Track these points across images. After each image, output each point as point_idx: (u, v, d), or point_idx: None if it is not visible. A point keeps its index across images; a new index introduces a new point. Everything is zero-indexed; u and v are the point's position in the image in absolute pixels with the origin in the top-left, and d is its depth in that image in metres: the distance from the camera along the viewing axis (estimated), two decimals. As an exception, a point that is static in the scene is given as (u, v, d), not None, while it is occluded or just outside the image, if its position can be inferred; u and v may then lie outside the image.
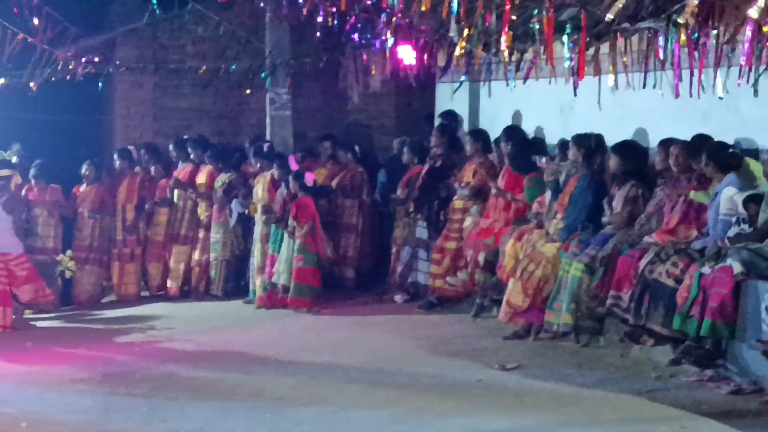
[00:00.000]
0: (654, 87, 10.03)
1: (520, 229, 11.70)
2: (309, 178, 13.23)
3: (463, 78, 12.41)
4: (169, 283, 14.76)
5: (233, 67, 14.94)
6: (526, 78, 10.99)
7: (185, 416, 8.49)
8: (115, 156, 15.04)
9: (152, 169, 14.88)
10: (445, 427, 8.00)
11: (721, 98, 9.47)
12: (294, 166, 13.51)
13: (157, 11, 14.03)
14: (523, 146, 12.42)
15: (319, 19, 12.31)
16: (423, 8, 9.33)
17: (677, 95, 9.65)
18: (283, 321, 12.56)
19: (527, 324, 11.03)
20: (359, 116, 16.05)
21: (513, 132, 12.79)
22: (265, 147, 14.14)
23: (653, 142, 11.47)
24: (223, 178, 14.33)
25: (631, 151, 11.00)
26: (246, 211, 13.97)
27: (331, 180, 14.45)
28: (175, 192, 14.76)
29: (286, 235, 13.23)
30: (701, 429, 7.79)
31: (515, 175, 12.27)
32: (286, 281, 13.19)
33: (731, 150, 9.97)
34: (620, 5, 8.82)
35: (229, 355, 10.78)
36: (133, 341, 11.73)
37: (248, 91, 14.96)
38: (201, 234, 14.59)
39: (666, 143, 10.60)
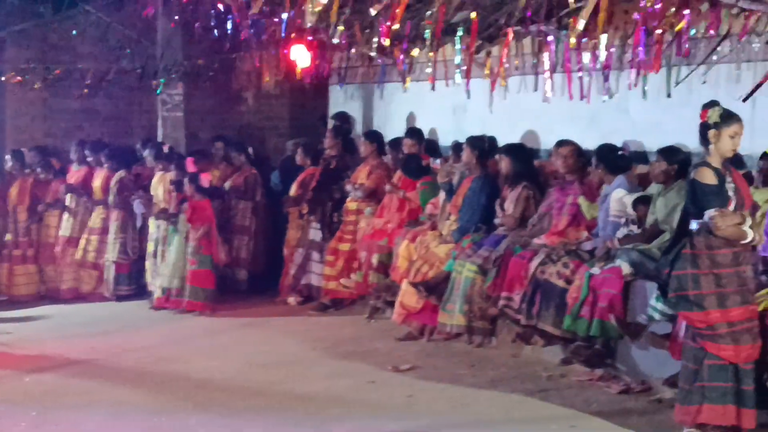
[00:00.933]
0: (536, 90, 10.14)
1: (413, 230, 11.73)
2: (205, 180, 13.12)
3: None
4: (63, 285, 14.55)
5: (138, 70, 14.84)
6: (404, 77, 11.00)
7: (76, 421, 8.37)
8: (7, 157, 14.80)
9: (39, 171, 14.65)
10: (338, 428, 8.00)
11: (604, 101, 9.61)
12: (191, 167, 13.40)
13: (47, 12, 13.84)
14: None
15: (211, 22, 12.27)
16: (315, 9, 9.30)
17: (570, 97, 9.77)
18: (177, 323, 12.42)
19: (420, 325, 11.05)
20: (253, 118, 15.95)
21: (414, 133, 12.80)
22: (165, 148, 14.01)
23: (544, 144, 11.60)
24: (116, 177, 14.16)
25: (521, 152, 11.11)
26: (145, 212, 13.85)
27: (224, 181, 14.36)
28: (68, 195, 14.55)
29: (176, 238, 13.12)
30: (591, 428, 7.88)
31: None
32: (178, 284, 13.07)
33: (621, 152, 10.11)
34: (516, 8, 8.91)
35: (122, 357, 10.64)
36: (21, 344, 11.51)
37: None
38: (95, 236, 14.39)
39: (559, 145, 10.69)
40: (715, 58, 8.92)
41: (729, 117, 7.31)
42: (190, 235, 12.93)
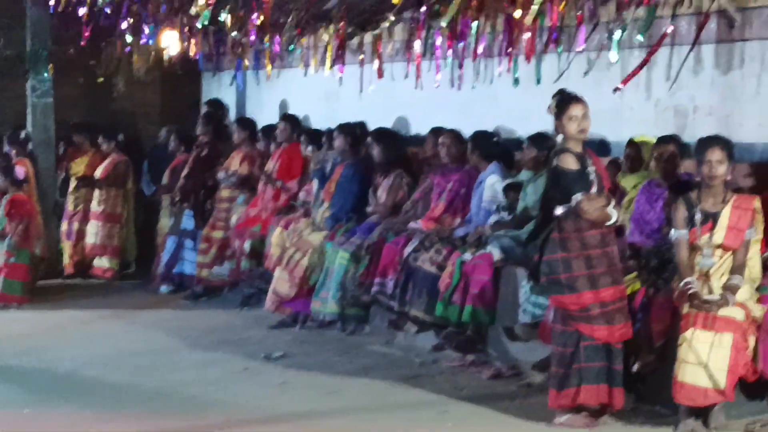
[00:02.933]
0: (407, 77, 10.18)
1: (287, 217, 11.70)
2: (20, 172, 12.94)
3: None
4: None
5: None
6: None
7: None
8: None
9: None
10: (208, 416, 7.91)
11: (474, 87, 9.68)
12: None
13: None
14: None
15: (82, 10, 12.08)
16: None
17: (437, 85, 9.82)
18: (43, 315, 12.18)
19: (294, 313, 11.03)
20: (124, 104, 15.71)
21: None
22: None
23: (416, 130, 11.65)
24: None
25: (392, 139, 11.14)
26: None
27: (92, 169, 14.16)
28: None
29: None
30: (463, 412, 7.93)
31: (289, 162, 12.24)
32: None
33: (495, 139, 10.19)
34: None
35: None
36: None
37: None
38: None
39: (437, 132, 10.73)
40: (583, 46, 9.02)
41: (564, 101, 7.42)
42: (8, 229, 12.71)
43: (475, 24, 9.21)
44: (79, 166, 14.20)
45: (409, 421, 7.82)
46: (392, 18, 9.71)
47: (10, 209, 12.72)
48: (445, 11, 8.51)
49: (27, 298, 12.73)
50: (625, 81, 8.44)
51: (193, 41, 12.33)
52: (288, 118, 12.76)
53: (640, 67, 8.37)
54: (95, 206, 14.13)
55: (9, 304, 12.52)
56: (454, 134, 10.47)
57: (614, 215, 7.40)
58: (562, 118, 7.38)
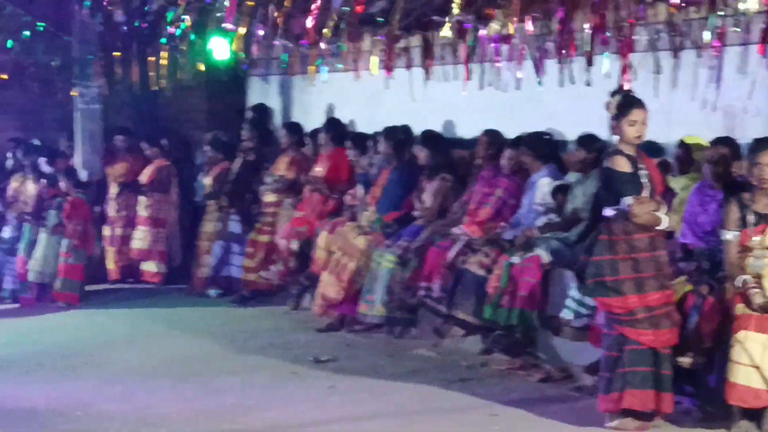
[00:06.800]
0: (453, 80, 10.16)
1: (333, 221, 11.69)
2: (81, 175, 13.22)
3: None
4: None
5: (54, 63, 14.62)
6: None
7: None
8: None
9: None
10: (257, 420, 7.94)
11: (519, 90, 9.65)
12: (45, 167, 13.67)
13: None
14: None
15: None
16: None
17: (481, 87, 9.80)
18: (91, 317, 12.26)
19: (341, 316, 11.03)
20: (170, 110, 15.79)
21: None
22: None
23: (462, 133, 11.62)
24: None
25: (438, 143, 11.12)
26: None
27: (133, 174, 14.23)
28: None
29: (43, 234, 13.08)
30: (511, 416, 7.89)
31: (335, 167, 12.23)
32: (46, 280, 13.07)
33: (548, 138, 10.13)
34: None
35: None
36: None
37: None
38: None
39: (491, 135, 10.65)
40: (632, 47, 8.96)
41: (626, 105, 7.36)
42: (67, 231, 12.91)
43: (521, 26, 9.18)
44: (118, 171, 14.26)
45: (458, 425, 7.82)
46: (439, 20, 9.66)
47: (70, 211, 12.88)
48: (492, 13, 8.48)
49: (80, 298, 12.91)
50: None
51: (239, 46, 12.33)
52: (332, 123, 12.75)
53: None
54: (141, 211, 14.19)
55: (69, 303, 12.74)
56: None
57: (665, 220, 7.34)
58: (621, 120, 7.32)
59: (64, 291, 12.89)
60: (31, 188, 13.72)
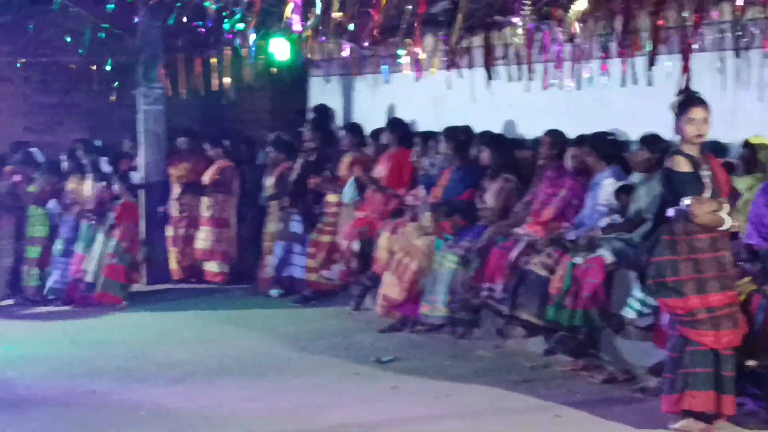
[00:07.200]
0: (518, 80, 10.15)
1: (394, 222, 11.70)
2: (134, 178, 13.42)
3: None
4: None
5: (109, 66, 14.74)
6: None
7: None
8: None
9: None
10: (322, 420, 7.98)
11: (581, 90, 9.60)
12: (105, 168, 13.85)
13: (25, 6, 13.77)
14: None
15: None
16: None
17: (545, 87, 9.78)
18: (151, 318, 12.37)
19: (403, 317, 11.04)
20: (234, 110, 15.90)
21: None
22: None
23: (523, 133, 11.60)
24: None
25: (501, 143, 11.09)
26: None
27: (195, 175, 14.34)
28: None
29: (99, 236, 13.24)
30: (575, 418, 7.87)
31: (397, 167, 12.25)
32: (93, 279, 13.21)
33: (612, 139, 10.09)
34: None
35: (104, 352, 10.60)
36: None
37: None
38: None
39: (554, 135, 10.60)
40: (696, 46, 8.92)
41: (686, 103, 7.33)
42: (115, 232, 13.08)
43: (584, 25, 9.16)
44: (180, 172, 14.37)
45: (522, 426, 7.80)
46: (501, 21, 9.66)
47: (121, 213, 13.02)
48: (556, 13, 8.47)
49: (123, 300, 13.04)
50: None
51: (301, 47, 12.38)
52: (396, 123, 12.75)
53: None
54: (204, 212, 14.29)
55: (111, 304, 12.86)
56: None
57: (728, 221, 7.29)
58: (681, 118, 7.30)
59: (105, 291, 13.02)
60: (89, 187, 13.87)
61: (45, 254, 13.94)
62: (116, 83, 15.02)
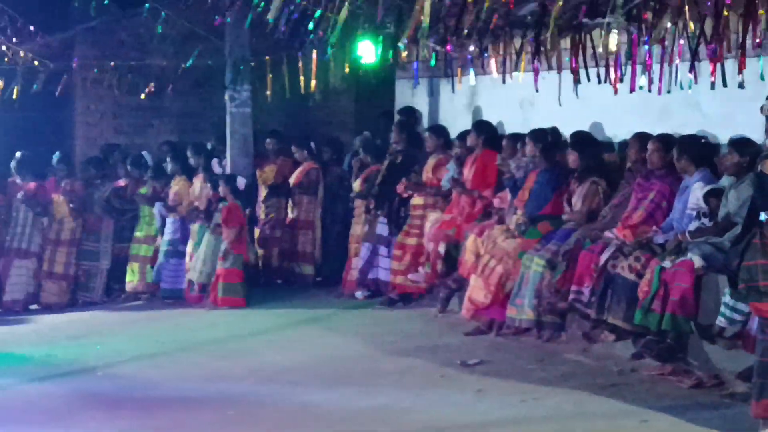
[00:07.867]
0: (605, 82, 10.06)
1: (481, 224, 11.68)
2: (241, 183, 13.43)
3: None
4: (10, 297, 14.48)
5: (189, 64, 14.90)
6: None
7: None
8: None
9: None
10: (407, 422, 8.00)
11: (669, 92, 9.51)
12: (217, 168, 13.94)
13: (115, 10, 13.95)
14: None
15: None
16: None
17: (632, 89, 9.70)
18: (240, 319, 12.46)
19: (489, 320, 11.02)
20: (320, 113, 15.99)
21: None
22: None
23: (611, 136, 11.52)
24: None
25: (590, 146, 11.01)
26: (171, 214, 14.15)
27: (282, 177, 14.43)
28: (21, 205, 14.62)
29: (207, 235, 13.42)
30: (662, 423, 7.81)
31: (483, 170, 12.23)
32: (206, 280, 13.41)
33: (704, 142, 9.98)
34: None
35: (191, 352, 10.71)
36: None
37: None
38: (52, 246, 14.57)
39: (641, 137, 10.52)
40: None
41: None
42: (225, 236, 13.28)
43: (673, 27, 9.07)
44: (267, 174, 14.47)
45: (609, 431, 7.74)
46: (590, 22, 9.59)
47: (226, 215, 13.16)
48: (644, 15, 8.40)
49: (245, 301, 13.22)
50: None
51: (388, 49, 12.40)
52: (483, 125, 12.72)
53: None
54: (290, 213, 14.38)
55: (233, 307, 13.03)
56: (659, 141, 10.27)
57: (820, 225, 7.19)
58: None
59: (226, 295, 13.19)
60: (199, 188, 14.05)
61: (154, 254, 14.33)
62: (204, 86, 15.18)
